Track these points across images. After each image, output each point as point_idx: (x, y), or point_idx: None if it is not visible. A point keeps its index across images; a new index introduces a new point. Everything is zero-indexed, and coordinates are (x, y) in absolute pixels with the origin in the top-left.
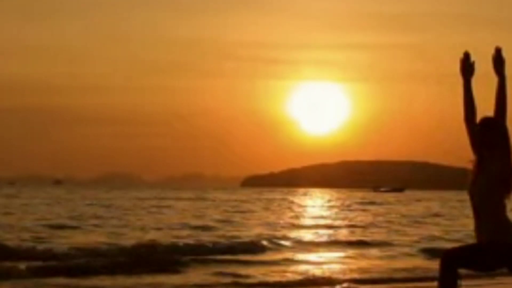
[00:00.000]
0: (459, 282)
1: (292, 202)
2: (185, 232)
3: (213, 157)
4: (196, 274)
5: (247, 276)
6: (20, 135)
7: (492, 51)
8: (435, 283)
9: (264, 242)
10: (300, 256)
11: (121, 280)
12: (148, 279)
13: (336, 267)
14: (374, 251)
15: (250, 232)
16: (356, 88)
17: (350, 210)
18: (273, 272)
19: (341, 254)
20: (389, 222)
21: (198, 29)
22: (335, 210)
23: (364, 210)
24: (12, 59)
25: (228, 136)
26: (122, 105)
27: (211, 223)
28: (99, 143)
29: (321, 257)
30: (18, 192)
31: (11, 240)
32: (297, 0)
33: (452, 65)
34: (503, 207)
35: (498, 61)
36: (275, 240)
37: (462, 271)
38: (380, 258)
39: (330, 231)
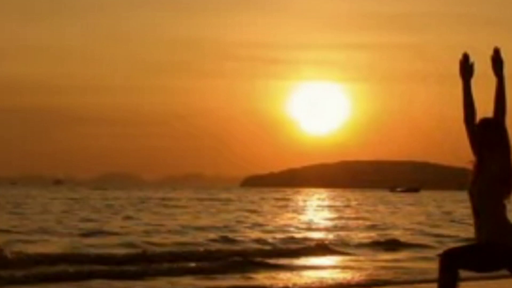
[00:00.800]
0: (458, 283)
1: (319, 203)
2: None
3: (213, 157)
4: None
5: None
6: (20, 135)
7: (491, 51)
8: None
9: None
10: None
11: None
12: None
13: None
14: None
15: (307, 234)
16: (356, 88)
17: (391, 211)
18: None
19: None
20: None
21: (198, 29)
22: (371, 210)
23: (397, 210)
24: (12, 59)
25: (228, 136)
26: (122, 105)
27: (270, 224)
28: (99, 143)
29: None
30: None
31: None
32: (297, 0)
33: (452, 65)
34: (503, 208)
35: (497, 61)
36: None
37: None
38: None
39: (385, 232)
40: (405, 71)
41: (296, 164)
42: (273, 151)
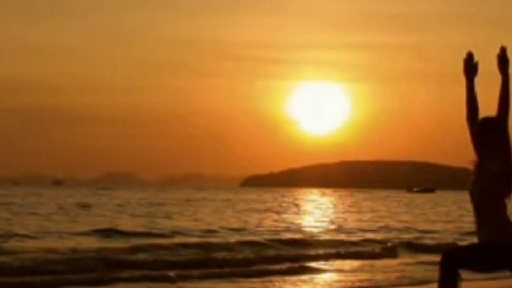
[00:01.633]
0: (459, 283)
1: (340, 203)
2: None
3: (213, 157)
4: None
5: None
6: (20, 135)
7: (492, 51)
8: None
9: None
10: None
11: None
12: None
13: None
14: None
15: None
16: (356, 88)
17: (423, 212)
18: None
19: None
20: None
21: (198, 29)
22: (401, 211)
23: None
24: (12, 59)
25: (228, 136)
26: (122, 105)
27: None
28: (99, 143)
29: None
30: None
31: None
32: (297, 0)
33: (452, 65)
34: (503, 207)
35: (503, 60)
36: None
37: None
38: None
39: (421, 234)
40: (405, 71)
41: (296, 164)
42: (273, 151)
